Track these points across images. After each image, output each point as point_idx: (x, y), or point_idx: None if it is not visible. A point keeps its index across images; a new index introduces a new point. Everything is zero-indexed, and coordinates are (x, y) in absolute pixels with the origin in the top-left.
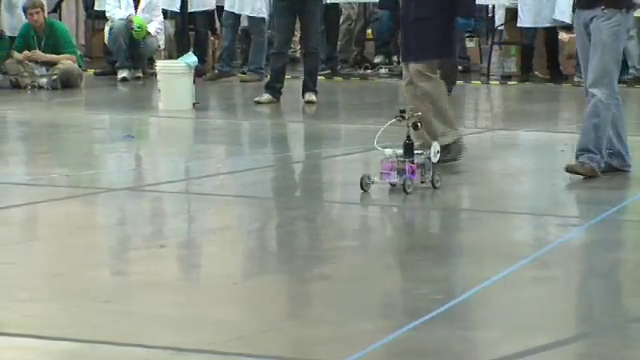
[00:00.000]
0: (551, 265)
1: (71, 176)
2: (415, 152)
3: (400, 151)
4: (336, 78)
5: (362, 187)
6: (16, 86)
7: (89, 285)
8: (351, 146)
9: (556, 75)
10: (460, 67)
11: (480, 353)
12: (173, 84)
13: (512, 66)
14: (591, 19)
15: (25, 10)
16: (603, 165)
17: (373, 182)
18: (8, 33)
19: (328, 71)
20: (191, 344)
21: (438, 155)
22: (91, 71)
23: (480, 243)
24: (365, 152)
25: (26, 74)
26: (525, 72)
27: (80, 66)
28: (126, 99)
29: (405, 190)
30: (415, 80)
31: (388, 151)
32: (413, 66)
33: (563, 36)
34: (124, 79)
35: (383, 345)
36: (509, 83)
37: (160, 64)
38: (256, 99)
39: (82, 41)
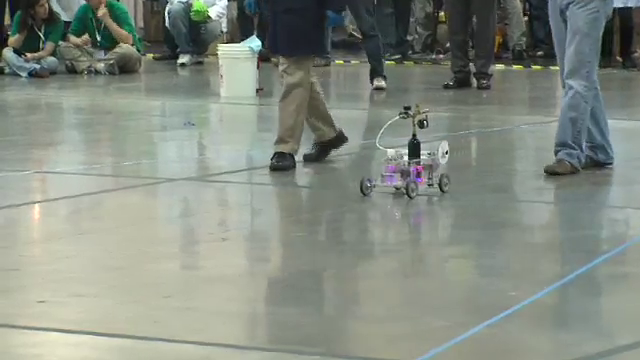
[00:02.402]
0: (631, 261)
1: (129, 165)
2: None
3: (404, 151)
4: (407, 63)
5: (362, 191)
6: (72, 71)
7: (149, 279)
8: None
9: (628, 61)
10: (540, 52)
11: (560, 352)
12: (236, 69)
13: None
14: (567, 5)
15: None
16: (584, 160)
17: (374, 186)
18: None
19: (398, 56)
20: (252, 341)
21: (446, 156)
22: (150, 55)
23: (557, 237)
24: (431, 141)
25: (83, 58)
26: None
27: (139, 50)
28: (186, 85)
29: (409, 194)
30: (286, 73)
31: (391, 151)
32: (284, 60)
33: None
34: (183, 64)
35: (457, 343)
36: None
37: (222, 48)
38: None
39: (140, 24)
